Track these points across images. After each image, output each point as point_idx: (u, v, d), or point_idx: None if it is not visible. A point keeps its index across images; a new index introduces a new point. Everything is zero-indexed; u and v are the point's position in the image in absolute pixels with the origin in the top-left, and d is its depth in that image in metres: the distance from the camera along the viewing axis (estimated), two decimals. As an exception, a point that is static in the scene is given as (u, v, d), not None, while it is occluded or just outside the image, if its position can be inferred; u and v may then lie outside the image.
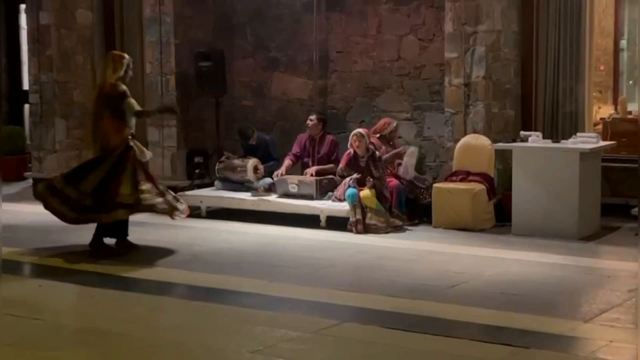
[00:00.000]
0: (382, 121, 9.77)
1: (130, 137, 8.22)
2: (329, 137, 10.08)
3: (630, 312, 6.10)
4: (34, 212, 10.34)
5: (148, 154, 8.43)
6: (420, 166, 9.97)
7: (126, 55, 8.46)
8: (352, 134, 9.26)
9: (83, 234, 8.89)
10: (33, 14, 12.38)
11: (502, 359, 5.22)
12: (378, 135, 9.53)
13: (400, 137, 10.34)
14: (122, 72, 8.22)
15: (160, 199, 8.15)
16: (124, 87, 8.22)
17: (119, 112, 8.15)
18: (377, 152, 9.18)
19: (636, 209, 8.70)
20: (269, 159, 10.22)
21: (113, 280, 7.22)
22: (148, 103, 11.77)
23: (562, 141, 8.99)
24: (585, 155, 8.62)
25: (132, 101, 8.22)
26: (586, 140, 8.88)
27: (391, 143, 9.61)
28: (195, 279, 7.24)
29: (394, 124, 9.68)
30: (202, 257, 8.01)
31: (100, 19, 12.71)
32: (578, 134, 9.20)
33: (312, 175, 9.72)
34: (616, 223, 9.03)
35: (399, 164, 9.47)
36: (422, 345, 5.50)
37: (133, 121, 8.30)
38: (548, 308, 6.24)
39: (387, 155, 9.38)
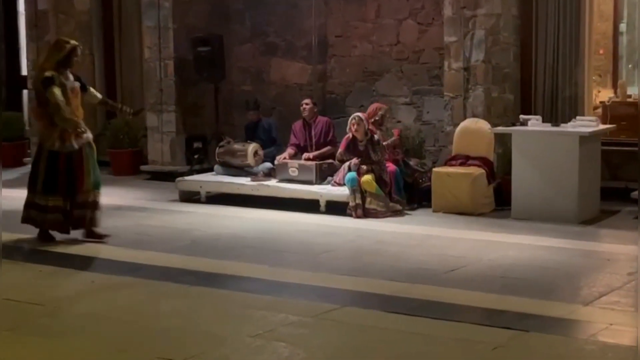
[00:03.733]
0: (373, 106, 9.72)
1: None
2: (322, 119, 10.07)
3: (630, 295, 6.11)
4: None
5: (83, 139, 7.89)
6: (419, 150, 9.96)
7: (72, 41, 7.96)
8: (350, 118, 9.25)
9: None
10: (31, -1, 12.36)
11: (502, 342, 5.23)
12: (371, 120, 9.51)
13: (399, 122, 10.32)
14: (60, 56, 7.71)
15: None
16: (51, 73, 7.66)
17: (43, 100, 7.72)
18: (375, 136, 9.17)
19: (636, 193, 8.70)
20: (271, 141, 10.21)
21: (113, 266, 7.22)
22: (146, 88, 11.77)
23: (562, 125, 8.97)
24: (584, 138, 8.61)
25: (55, 90, 7.62)
26: (586, 124, 8.87)
27: (382, 128, 9.59)
28: (195, 264, 7.24)
29: (384, 109, 9.65)
30: (201, 242, 8.01)
31: (98, 4, 12.68)
32: (577, 117, 9.19)
33: (309, 159, 9.69)
34: (616, 207, 9.03)
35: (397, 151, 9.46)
36: (422, 329, 5.51)
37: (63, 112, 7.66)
38: (548, 292, 6.25)
39: (384, 143, 9.37)
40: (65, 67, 7.85)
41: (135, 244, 7.92)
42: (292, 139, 10.07)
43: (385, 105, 9.76)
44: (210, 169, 10.52)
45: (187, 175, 10.51)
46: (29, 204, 8.04)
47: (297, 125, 10.10)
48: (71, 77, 7.95)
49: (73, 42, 8.00)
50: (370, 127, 9.31)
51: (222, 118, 11.30)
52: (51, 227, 7.99)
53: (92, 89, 8.45)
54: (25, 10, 12.56)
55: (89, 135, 8.04)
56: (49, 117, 7.78)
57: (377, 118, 9.51)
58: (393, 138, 9.53)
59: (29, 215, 8.02)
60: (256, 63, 11.67)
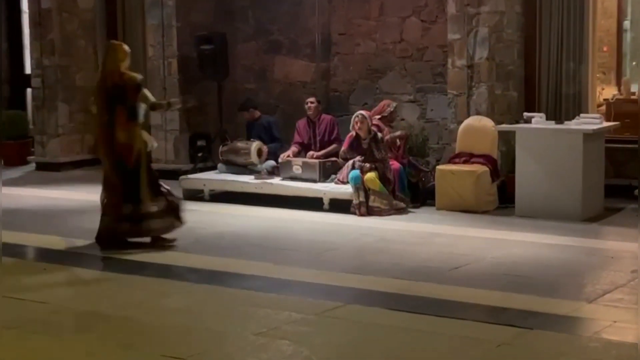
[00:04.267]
0: (382, 103, 9.77)
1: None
2: (327, 117, 10.07)
3: (634, 293, 6.09)
4: (37, 196, 10.38)
5: (154, 142, 7.88)
6: (423, 148, 9.96)
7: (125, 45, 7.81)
8: (354, 116, 9.25)
9: (86, 218, 8.91)
10: (34, -3, 12.37)
11: (506, 340, 5.23)
12: (379, 116, 9.52)
13: (402, 120, 10.32)
14: (128, 62, 7.52)
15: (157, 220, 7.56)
16: (139, 77, 7.59)
17: (128, 105, 7.43)
18: (379, 134, 9.17)
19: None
20: (272, 140, 10.21)
21: (117, 264, 7.22)
22: (150, 87, 11.74)
23: (566, 122, 8.95)
24: (588, 136, 8.60)
25: (148, 93, 7.67)
26: (589, 122, 8.86)
27: (392, 124, 9.61)
28: (199, 262, 7.24)
29: (394, 105, 9.67)
30: (205, 241, 8.01)
31: (101, 2, 12.71)
32: (581, 115, 9.18)
33: (313, 158, 9.69)
34: (619, 204, 9.01)
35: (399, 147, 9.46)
36: (426, 327, 5.50)
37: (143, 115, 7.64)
38: (552, 289, 6.24)
39: (389, 136, 9.37)
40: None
41: (138, 241, 7.91)
42: (296, 137, 10.07)
43: (395, 102, 9.77)
44: (214, 167, 10.53)
45: (191, 173, 10.51)
46: (124, 217, 7.54)
47: (301, 123, 10.10)
48: None
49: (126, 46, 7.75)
50: (378, 122, 9.32)
51: (225, 116, 11.30)
52: (147, 234, 7.64)
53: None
54: (29, 8, 12.57)
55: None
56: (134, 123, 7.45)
57: (385, 114, 9.52)
58: (400, 132, 9.52)
59: (122, 229, 7.55)
60: (260, 61, 11.67)
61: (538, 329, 5.36)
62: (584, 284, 6.45)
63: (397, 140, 9.44)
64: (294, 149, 9.98)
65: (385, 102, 9.79)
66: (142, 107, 7.60)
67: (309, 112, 9.97)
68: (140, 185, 7.55)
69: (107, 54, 7.66)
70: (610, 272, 6.72)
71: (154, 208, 7.60)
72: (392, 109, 9.61)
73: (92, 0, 12.64)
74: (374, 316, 5.73)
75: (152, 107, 7.83)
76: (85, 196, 10.27)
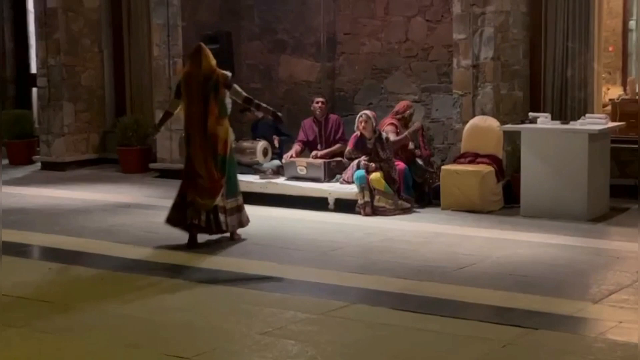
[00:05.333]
0: (403, 103, 9.76)
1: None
2: (333, 117, 10.08)
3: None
4: (43, 196, 10.39)
5: (233, 135, 8.14)
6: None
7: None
8: (358, 116, 9.26)
9: (90, 217, 8.94)
10: (40, -3, 12.39)
11: (511, 339, 5.23)
12: (399, 116, 9.53)
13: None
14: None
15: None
16: (229, 74, 7.95)
17: (220, 98, 7.78)
18: (383, 134, 9.18)
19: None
20: (280, 135, 10.17)
21: (121, 263, 7.23)
22: (155, 86, 11.79)
23: (571, 122, 8.95)
24: (594, 136, 8.59)
25: (239, 88, 8.00)
26: (595, 122, 8.86)
27: (408, 126, 9.62)
28: (203, 261, 7.25)
29: (413, 108, 9.71)
30: (210, 240, 8.00)
31: (107, 1, 12.74)
32: (587, 115, 9.17)
33: (319, 157, 9.69)
34: (625, 204, 9.00)
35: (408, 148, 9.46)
36: (431, 327, 5.50)
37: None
38: (557, 289, 6.24)
39: (407, 133, 9.38)
40: None
41: (144, 241, 7.93)
42: (300, 135, 10.07)
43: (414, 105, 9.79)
44: (219, 167, 10.51)
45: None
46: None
47: (307, 122, 10.10)
48: None
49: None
50: (395, 122, 9.34)
51: (231, 116, 11.27)
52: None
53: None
54: (35, 8, 12.59)
55: None
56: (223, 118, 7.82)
57: (405, 115, 9.52)
58: (415, 125, 9.52)
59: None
60: (265, 60, 11.68)
61: (543, 329, 5.35)
62: (589, 284, 6.44)
63: (417, 135, 9.44)
64: (296, 147, 9.97)
65: (406, 103, 9.79)
66: (229, 102, 7.98)
67: (317, 112, 9.97)
68: (230, 176, 7.84)
69: (201, 54, 7.87)
70: (616, 272, 6.71)
71: (232, 204, 7.86)
72: (411, 112, 9.63)
73: (97, 0, 12.66)
74: (379, 316, 5.73)
75: (245, 100, 8.07)
76: (90, 196, 10.30)
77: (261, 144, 9.99)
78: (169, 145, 11.37)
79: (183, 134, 8.14)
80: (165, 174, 11.39)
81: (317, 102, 10.00)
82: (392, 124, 9.48)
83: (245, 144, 10.13)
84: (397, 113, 9.61)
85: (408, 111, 9.60)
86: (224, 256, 7.41)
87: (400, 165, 9.23)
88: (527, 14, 9.88)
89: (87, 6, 12.56)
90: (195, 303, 6.07)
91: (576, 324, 5.53)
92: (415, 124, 9.59)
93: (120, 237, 8.07)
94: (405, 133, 9.42)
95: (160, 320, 5.70)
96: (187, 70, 7.99)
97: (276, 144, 10.03)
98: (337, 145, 9.81)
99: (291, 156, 9.84)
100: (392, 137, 9.33)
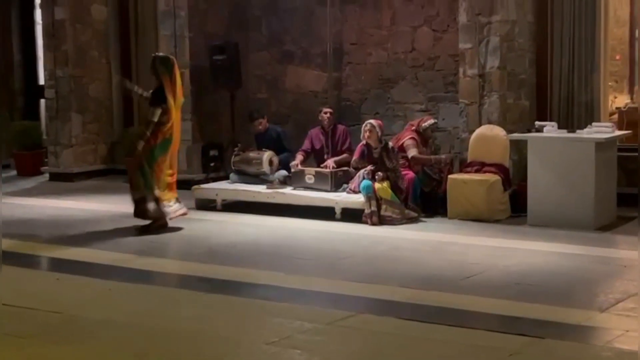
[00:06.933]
0: (424, 117, 9.76)
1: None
2: (340, 127, 10.11)
3: (647, 302, 6.10)
4: (51, 207, 10.43)
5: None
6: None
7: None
8: (363, 125, 9.28)
9: (99, 227, 8.96)
10: (48, 9, 12.46)
11: (517, 349, 5.22)
12: (418, 129, 9.53)
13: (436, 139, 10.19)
14: None
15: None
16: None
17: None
18: (389, 144, 9.19)
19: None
20: (281, 150, 10.22)
21: (129, 273, 7.25)
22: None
23: (578, 131, 8.95)
24: (600, 145, 8.59)
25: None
26: (601, 130, 8.85)
27: (429, 141, 9.62)
28: (212, 271, 7.27)
29: (430, 122, 9.61)
30: (218, 250, 8.04)
31: (115, 13, 12.79)
32: (593, 123, 9.17)
33: (332, 167, 9.68)
34: (632, 213, 8.97)
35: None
36: (438, 336, 5.50)
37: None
38: (564, 298, 6.23)
39: (432, 157, 9.44)
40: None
41: (152, 251, 7.96)
42: (306, 144, 10.09)
43: (433, 119, 9.71)
44: (227, 177, 10.56)
45: (203, 183, 10.55)
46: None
47: (315, 131, 10.13)
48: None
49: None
50: (414, 135, 9.35)
51: (238, 126, 11.34)
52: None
53: None
54: (43, 20, 12.66)
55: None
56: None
57: (420, 130, 9.49)
58: (445, 156, 9.54)
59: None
60: (272, 71, 11.72)
61: (550, 338, 5.35)
62: (596, 293, 6.43)
63: (440, 164, 9.42)
64: (300, 156, 9.99)
65: (424, 117, 9.79)
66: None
67: (324, 122, 9.99)
68: None
69: (175, 67, 8.94)
70: (624, 281, 6.70)
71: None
72: (427, 125, 9.56)
73: (105, 11, 12.73)
74: (386, 325, 5.74)
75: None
76: (98, 206, 10.33)
77: (267, 154, 10.02)
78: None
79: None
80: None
81: (325, 112, 10.04)
82: (412, 138, 9.46)
83: (252, 154, 10.17)
84: (414, 126, 9.61)
85: (422, 124, 9.57)
86: (231, 266, 7.42)
87: (409, 174, 9.24)
88: (533, 23, 9.89)
89: (95, 18, 12.63)
90: (202, 313, 6.07)
91: (583, 333, 5.52)
92: (446, 156, 9.56)
93: (125, 247, 8.09)
94: (432, 158, 9.41)
95: (168, 330, 5.71)
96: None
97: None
98: (344, 155, 9.83)
99: (297, 164, 9.86)
100: (414, 152, 9.33)
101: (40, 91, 13.48)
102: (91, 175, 12.55)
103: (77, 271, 7.35)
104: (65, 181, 12.29)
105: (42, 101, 13.38)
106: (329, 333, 5.56)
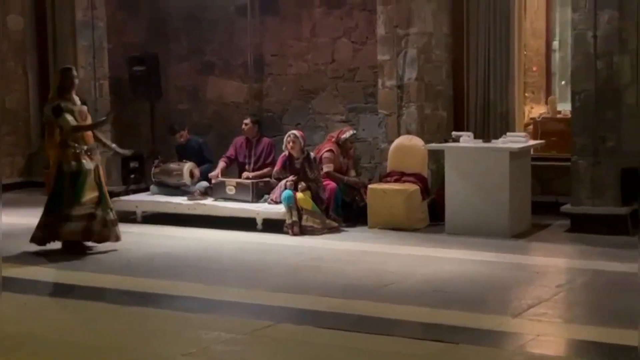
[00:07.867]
0: (343, 129, 9.84)
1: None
2: (266, 140, 10.13)
3: (557, 307, 6.27)
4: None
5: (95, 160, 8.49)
6: (355, 167, 10.06)
7: (66, 66, 8.71)
8: (286, 135, 9.32)
9: (16, 241, 8.79)
10: (-38, 19, 12.21)
11: (433, 355, 5.31)
12: (337, 141, 9.60)
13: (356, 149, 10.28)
14: (58, 83, 8.32)
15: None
16: (57, 102, 8.22)
17: (55, 129, 8.26)
18: (311, 154, 9.25)
19: (566, 206, 8.91)
20: (203, 161, 10.20)
21: (46, 287, 7.15)
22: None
23: (493, 141, 9.14)
24: (514, 154, 8.78)
25: (67, 116, 8.18)
26: (515, 140, 9.05)
27: (350, 152, 9.70)
28: (130, 283, 7.20)
29: (350, 133, 9.70)
30: (137, 262, 7.97)
31: (31, 23, 12.59)
32: (508, 133, 9.37)
33: (248, 178, 9.73)
34: (546, 220, 9.22)
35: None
36: (358, 344, 5.55)
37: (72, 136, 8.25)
38: (479, 304, 6.36)
39: (345, 178, 9.48)
40: (67, 92, 8.29)
41: (70, 265, 7.85)
42: (230, 151, 10.09)
43: (352, 130, 9.80)
44: (147, 189, 10.48)
45: (123, 195, 10.45)
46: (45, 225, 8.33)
47: (239, 140, 10.13)
48: (78, 101, 8.41)
49: (66, 66, 8.64)
50: (332, 147, 9.41)
51: (158, 137, 11.26)
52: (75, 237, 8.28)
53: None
54: (-42, 30, 12.41)
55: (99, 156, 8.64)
56: (62, 143, 8.22)
57: (339, 141, 9.57)
58: (357, 179, 9.64)
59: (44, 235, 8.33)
60: (193, 81, 11.68)
61: (465, 344, 5.45)
62: (510, 298, 6.58)
63: (353, 185, 9.54)
64: (222, 164, 9.98)
65: (344, 128, 9.87)
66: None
67: (247, 133, 10.01)
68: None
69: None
70: (536, 287, 6.87)
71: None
72: (346, 137, 9.65)
73: (22, 22, 12.52)
74: (305, 334, 5.77)
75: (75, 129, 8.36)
76: (15, 220, 10.12)
77: (187, 166, 9.99)
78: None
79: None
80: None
81: (246, 124, 10.06)
82: (330, 150, 9.54)
83: (172, 165, 10.12)
84: (334, 138, 9.69)
85: (342, 136, 9.67)
86: (150, 278, 7.37)
87: (330, 184, 9.31)
88: (449, 36, 10.08)
89: (11, 28, 12.41)
90: (120, 325, 6.02)
91: (497, 338, 5.64)
92: (363, 180, 9.68)
93: (44, 261, 7.98)
94: (345, 178, 9.48)
95: (85, 344, 5.64)
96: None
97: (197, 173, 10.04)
98: (267, 169, 9.84)
99: (216, 175, 9.85)
100: (330, 167, 9.40)
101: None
102: (8, 188, 12.30)
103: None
104: (-19, 194, 12.02)
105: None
106: (247, 343, 5.58)
